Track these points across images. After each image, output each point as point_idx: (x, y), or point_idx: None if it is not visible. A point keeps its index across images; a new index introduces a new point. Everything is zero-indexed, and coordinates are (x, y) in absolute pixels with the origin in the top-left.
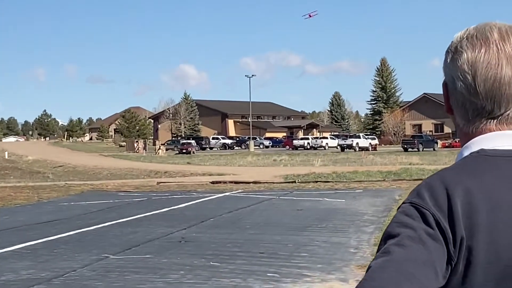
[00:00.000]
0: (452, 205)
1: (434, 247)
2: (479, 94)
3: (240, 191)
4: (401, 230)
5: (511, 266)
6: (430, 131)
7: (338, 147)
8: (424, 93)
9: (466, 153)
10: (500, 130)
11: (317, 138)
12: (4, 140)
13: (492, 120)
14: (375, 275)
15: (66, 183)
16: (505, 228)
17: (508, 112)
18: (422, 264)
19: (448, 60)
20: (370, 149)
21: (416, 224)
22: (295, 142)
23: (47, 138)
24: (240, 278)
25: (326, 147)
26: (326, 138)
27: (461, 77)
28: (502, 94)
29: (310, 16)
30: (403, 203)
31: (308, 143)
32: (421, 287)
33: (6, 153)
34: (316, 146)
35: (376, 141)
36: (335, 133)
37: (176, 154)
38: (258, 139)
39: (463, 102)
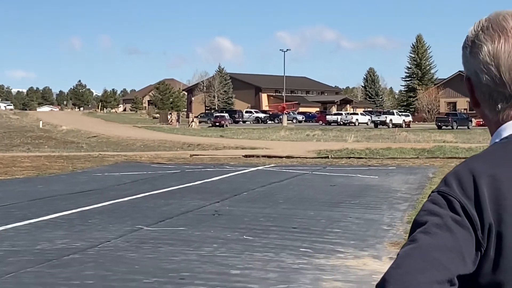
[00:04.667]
0: (479, 192)
1: (461, 234)
2: (506, 83)
3: (273, 165)
4: (428, 218)
5: None
6: (464, 109)
7: (370, 123)
8: (459, 71)
9: (495, 140)
10: None
11: (347, 114)
12: (38, 109)
13: None
14: (401, 262)
15: (100, 154)
16: None
17: None
18: (449, 251)
19: (468, 55)
20: (404, 126)
21: (443, 211)
22: (328, 117)
23: (81, 109)
24: (273, 253)
25: (356, 123)
26: (357, 114)
27: (485, 69)
28: None
29: None
30: (432, 192)
31: (341, 119)
32: (448, 273)
33: (41, 122)
34: (346, 122)
35: (409, 118)
36: (368, 109)
37: (209, 127)
38: (291, 113)
39: (490, 94)
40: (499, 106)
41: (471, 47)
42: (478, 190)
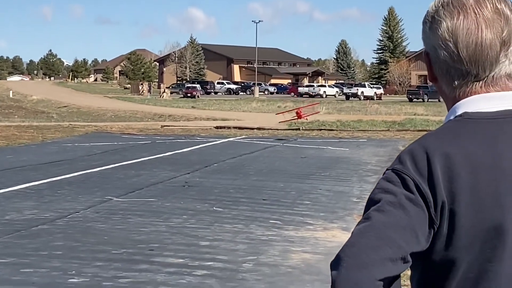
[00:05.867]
0: (432, 170)
1: (415, 212)
2: (463, 60)
3: (244, 137)
4: (382, 196)
5: (494, 227)
6: None
7: (338, 95)
8: None
9: (450, 117)
10: (486, 92)
11: (313, 86)
12: (9, 79)
13: (478, 83)
14: (355, 240)
15: (70, 124)
16: (486, 190)
17: (492, 74)
18: (402, 229)
19: (427, 30)
20: (375, 98)
21: (396, 189)
22: (300, 89)
23: (52, 78)
24: (242, 224)
25: (324, 95)
26: (324, 86)
27: (443, 45)
28: (485, 57)
29: None
30: (387, 169)
31: (310, 91)
32: (401, 251)
33: (11, 92)
34: (313, 94)
35: (381, 91)
36: (340, 81)
37: (180, 98)
38: (263, 85)
39: (448, 69)
40: (456, 82)
41: (430, 23)
42: (431, 167)
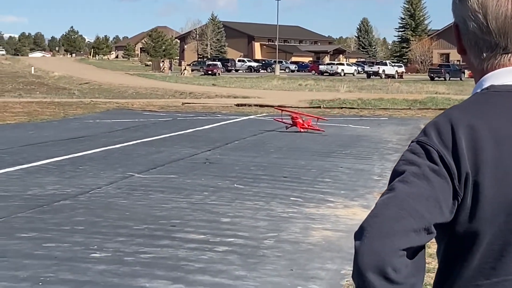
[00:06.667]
0: (457, 142)
1: (439, 183)
2: (492, 32)
3: (264, 114)
4: (406, 167)
5: None
6: (457, 60)
7: (357, 73)
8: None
9: (477, 90)
10: None
11: (332, 64)
12: (30, 55)
13: (506, 56)
14: (379, 211)
15: (92, 101)
16: (510, 162)
17: None
18: (425, 199)
19: (457, 1)
20: (396, 76)
21: (420, 161)
22: (321, 67)
23: (73, 55)
24: (263, 201)
25: (342, 74)
26: (343, 64)
27: (472, 17)
28: None
29: None
30: (411, 141)
31: (327, 69)
32: (424, 221)
33: (33, 68)
34: (331, 72)
35: (402, 69)
36: (361, 60)
37: (201, 75)
38: (284, 63)
39: (476, 41)
40: (484, 54)
41: None
42: (456, 139)
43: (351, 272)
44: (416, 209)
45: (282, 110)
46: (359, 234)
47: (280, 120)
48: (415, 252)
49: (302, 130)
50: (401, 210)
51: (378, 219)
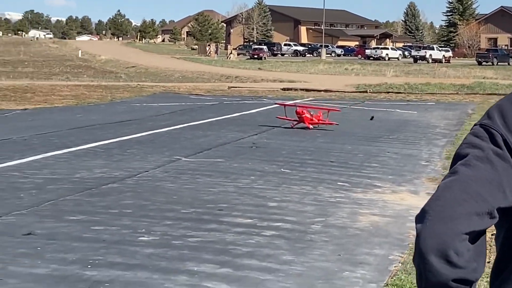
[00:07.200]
0: None
1: (502, 167)
2: None
3: (311, 99)
4: (469, 151)
5: None
6: (505, 45)
7: (401, 58)
8: (502, 6)
9: None
10: None
11: (377, 48)
12: (77, 38)
13: None
14: (441, 194)
15: (138, 84)
16: None
17: None
18: (488, 183)
19: None
20: (444, 61)
21: (484, 144)
22: (368, 51)
23: (120, 38)
24: (310, 186)
25: (386, 58)
26: (387, 48)
27: None
28: None
29: None
30: (475, 125)
31: (371, 53)
32: (487, 205)
33: (80, 51)
34: (376, 56)
35: (450, 54)
36: (408, 44)
37: (247, 59)
38: (330, 47)
39: None
40: None
41: None
42: None
43: (412, 256)
44: (479, 192)
45: (284, 106)
46: (421, 217)
47: (284, 117)
48: (476, 236)
49: (311, 126)
50: (463, 194)
51: (441, 202)
